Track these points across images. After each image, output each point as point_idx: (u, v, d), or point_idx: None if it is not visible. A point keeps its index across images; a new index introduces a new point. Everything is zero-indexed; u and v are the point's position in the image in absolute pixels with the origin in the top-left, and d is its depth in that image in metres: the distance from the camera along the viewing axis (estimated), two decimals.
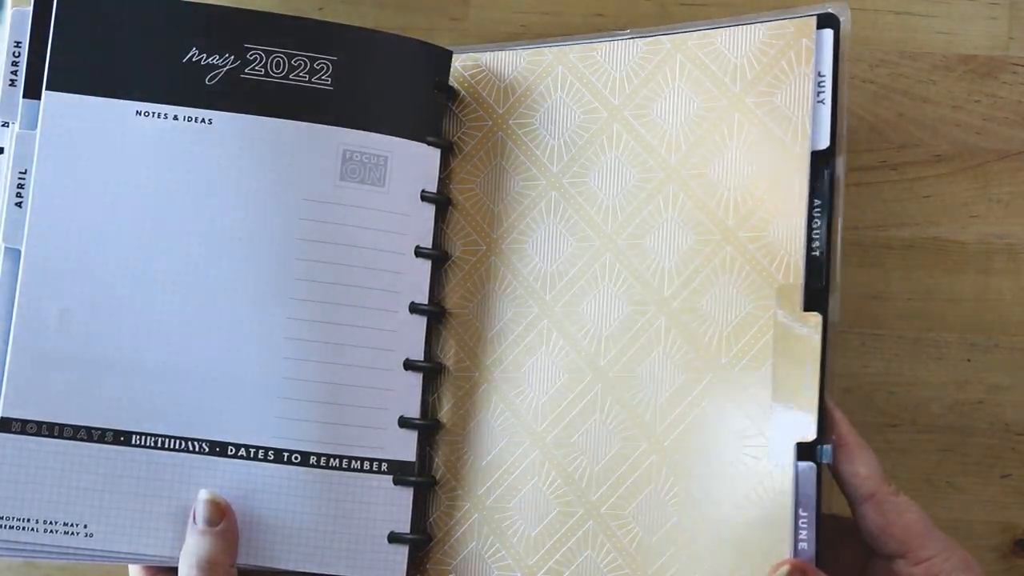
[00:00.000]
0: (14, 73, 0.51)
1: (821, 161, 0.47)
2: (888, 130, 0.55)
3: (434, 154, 0.52)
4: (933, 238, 0.55)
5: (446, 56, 0.53)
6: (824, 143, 0.47)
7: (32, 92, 0.50)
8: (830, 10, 0.48)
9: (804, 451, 0.45)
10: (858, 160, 0.54)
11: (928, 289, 0.55)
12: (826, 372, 0.46)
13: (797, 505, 0.45)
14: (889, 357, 0.54)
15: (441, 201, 0.53)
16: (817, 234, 0.47)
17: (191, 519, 0.48)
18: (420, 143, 0.52)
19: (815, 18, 0.48)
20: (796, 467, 0.45)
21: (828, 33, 0.48)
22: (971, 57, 0.55)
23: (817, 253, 0.47)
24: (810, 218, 0.47)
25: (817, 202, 0.47)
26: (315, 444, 0.50)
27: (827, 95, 0.47)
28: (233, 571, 0.48)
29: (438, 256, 0.52)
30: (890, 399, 0.54)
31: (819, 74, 0.48)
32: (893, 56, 0.55)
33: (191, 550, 0.47)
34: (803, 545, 0.45)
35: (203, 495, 0.49)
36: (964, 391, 0.54)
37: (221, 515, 0.48)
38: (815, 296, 0.47)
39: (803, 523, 0.45)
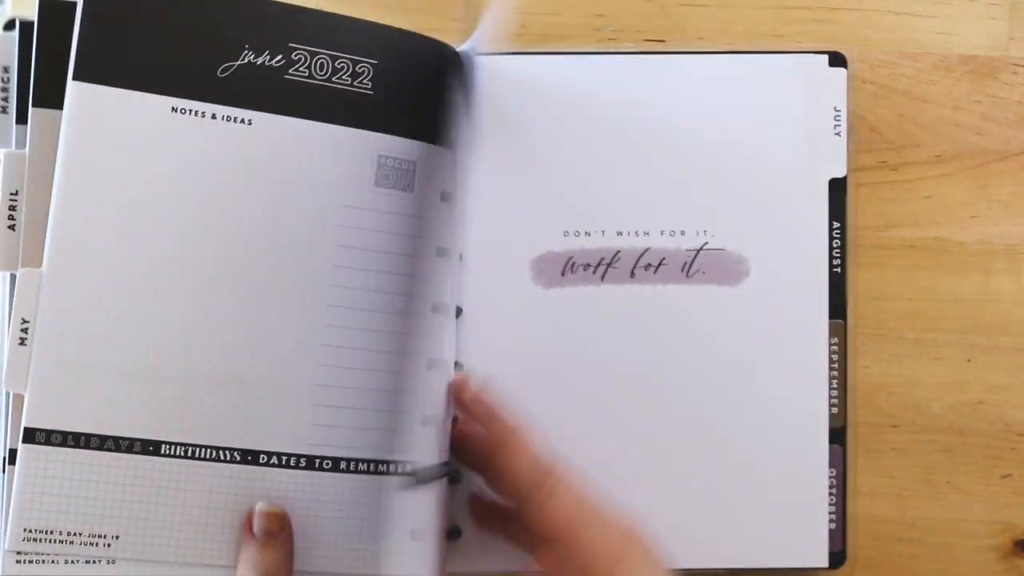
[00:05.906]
0: (4, 100, 0.48)
1: (838, 187, 0.53)
2: (888, 130, 0.55)
3: (450, 155, 0.52)
4: (933, 238, 0.55)
5: (455, 56, 0.53)
6: (841, 172, 0.53)
7: (23, 118, 0.47)
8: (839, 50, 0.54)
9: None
10: (858, 160, 0.54)
11: (928, 289, 0.55)
12: (847, 375, 0.53)
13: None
14: (889, 357, 0.54)
15: (454, 199, 0.53)
16: (837, 253, 0.52)
17: (247, 529, 0.47)
18: (440, 146, 0.52)
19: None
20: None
21: (841, 72, 0.53)
22: (971, 57, 0.55)
23: (838, 270, 0.52)
24: (831, 238, 0.52)
25: (836, 224, 0.53)
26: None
27: (843, 128, 0.53)
28: None
29: (453, 254, 0.52)
30: (890, 399, 0.54)
31: (835, 108, 0.53)
32: (893, 56, 0.55)
33: (252, 561, 0.46)
34: None
35: (262, 507, 0.48)
36: (964, 391, 0.54)
37: (282, 526, 0.48)
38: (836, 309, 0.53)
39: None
